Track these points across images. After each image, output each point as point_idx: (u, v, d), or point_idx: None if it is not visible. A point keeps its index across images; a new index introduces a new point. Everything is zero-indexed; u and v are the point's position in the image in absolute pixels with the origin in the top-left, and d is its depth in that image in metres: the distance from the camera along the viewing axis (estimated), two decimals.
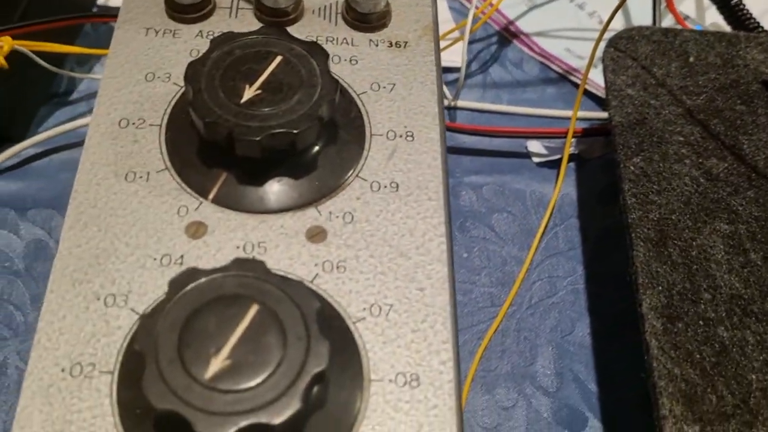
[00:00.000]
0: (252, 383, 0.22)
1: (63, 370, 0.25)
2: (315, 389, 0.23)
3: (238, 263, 0.24)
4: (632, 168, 0.35)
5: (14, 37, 0.40)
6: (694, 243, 0.33)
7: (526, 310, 0.40)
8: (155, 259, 0.27)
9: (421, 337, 0.26)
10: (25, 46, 0.40)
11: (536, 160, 0.44)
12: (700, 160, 0.35)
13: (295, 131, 0.26)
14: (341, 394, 0.24)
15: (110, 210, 0.28)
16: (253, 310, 0.23)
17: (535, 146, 0.44)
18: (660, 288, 0.32)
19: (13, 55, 0.40)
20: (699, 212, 0.34)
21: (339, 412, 0.24)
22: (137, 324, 0.23)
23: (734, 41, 0.39)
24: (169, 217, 0.28)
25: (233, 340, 0.22)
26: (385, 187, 0.29)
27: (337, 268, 0.27)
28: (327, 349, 0.22)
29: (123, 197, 0.28)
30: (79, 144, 0.43)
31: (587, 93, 0.47)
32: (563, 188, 0.43)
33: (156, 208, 0.28)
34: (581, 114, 0.44)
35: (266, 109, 0.27)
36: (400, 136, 0.30)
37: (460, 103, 0.45)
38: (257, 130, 0.26)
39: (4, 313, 0.39)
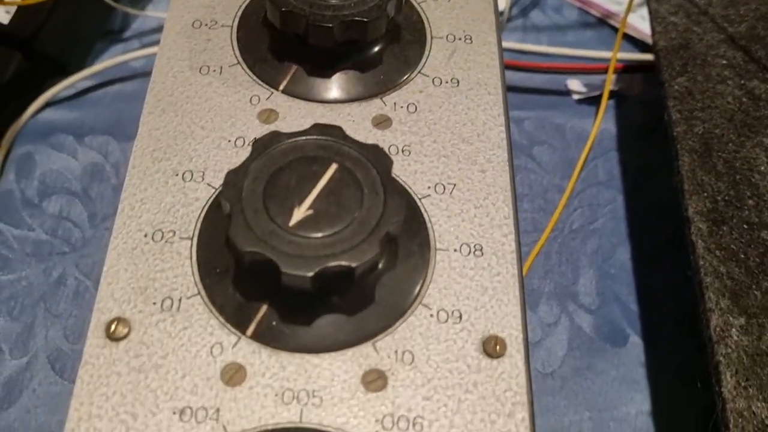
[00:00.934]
0: (333, 231, 0.23)
1: (146, 236, 0.26)
2: (389, 245, 0.24)
3: (318, 128, 0.25)
4: (677, 87, 0.36)
5: None
6: (737, 155, 0.34)
7: (567, 235, 0.41)
8: (230, 140, 0.28)
9: (483, 213, 0.27)
10: None
11: (576, 97, 0.45)
12: (743, 82, 0.37)
13: (366, 20, 0.28)
14: (410, 260, 0.26)
15: (186, 98, 0.29)
16: (333, 168, 0.24)
17: (575, 84, 0.46)
18: (705, 194, 0.33)
19: None
20: (742, 128, 0.35)
21: (408, 275, 0.26)
22: (223, 179, 0.24)
23: None
24: (242, 104, 0.29)
25: (314, 193, 0.24)
26: (447, 82, 0.30)
27: (403, 151, 0.28)
28: (403, 203, 0.24)
29: (198, 87, 0.30)
30: (132, 78, 0.45)
31: (625, 36, 0.48)
32: (603, 123, 0.44)
33: (230, 97, 0.29)
34: (620, 55, 0.45)
35: (338, 1, 0.28)
36: (459, 39, 0.31)
37: (502, 44, 0.46)
38: (331, 18, 0.28)
39: (63, 229, 0.40)
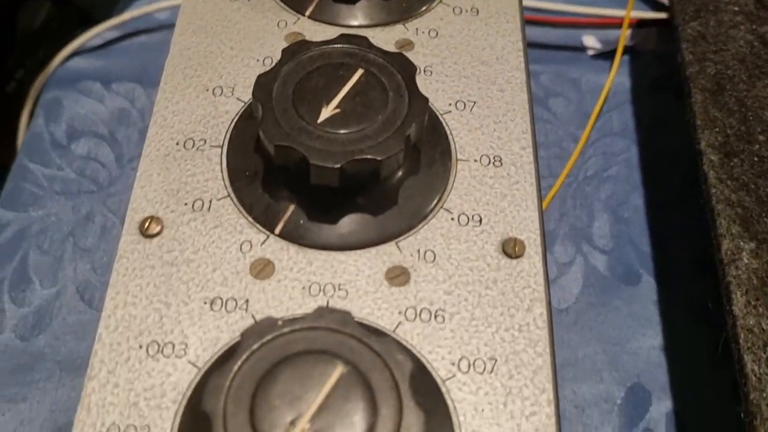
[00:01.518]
0: (359, 128, 0.24)
1: (177, 144, 0.27)
2: (412, 150, 0.25)
3: (345, 38, 0.26)
4: (689, 30, 0.37)
5: None
6: (748, 94, 0.35)
7: (582, 181, 0.42)
8: (258, 60, 0.29)
9: (502, 128, 0.28)
10: None
11: (590, 52, 0.46)
12: (754, 27, 0.38)
13: None
14: (432, 167, 0.27)
15: (215, 22, 0.30)
16: (359, 72, 0.25)
17: (590, 40, 0.46)
18: (717, 129, 0.34)
19: None
20: (753, 69, 0.36)
21: (430, 181, 0.27)
22: (254, 82, 0.25)
23: None
24: (269, 28, 0.30)
25: (341, 94, 0.25)
26: (467, 11, 0.31)
27: (425, 71, 0.29)
28: (426, 104, 0.25)
29: (227, 12, 0.31)
30: (157, 29, 0.46)
31: None
32: (617, 77, 0.45)
33: (257, 21, 0.30)
34: (634, 14, 0.46)
35: None
36: None
37: None
38: None
39: (91, 170, 0.41)
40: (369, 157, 0.23)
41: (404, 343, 0.23)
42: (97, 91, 0.44)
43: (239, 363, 0.20)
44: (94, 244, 0.39)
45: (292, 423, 0.19)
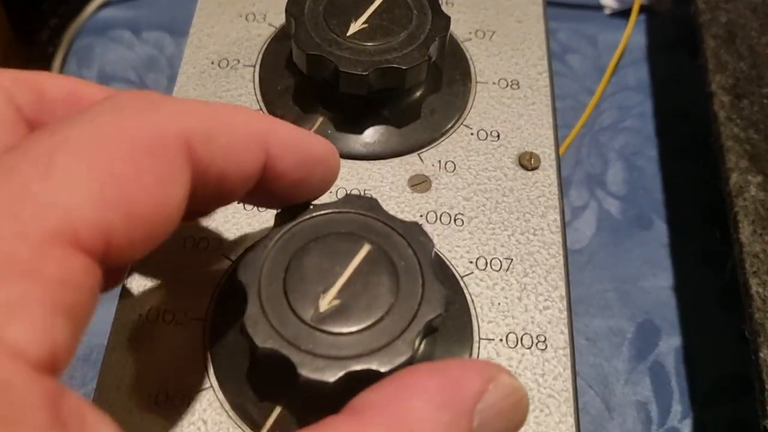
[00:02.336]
0: (386, 41, 0.26)
1: (212, 63, 0.29)
2: (434, 69, 0.27)
3: None
4: None
5: None
6: (760, 41, 0.36)
7: (597, 132, 0.43)
8: None
9: (520, 54, 0.29)
10: None
11: (608, 11, 0.47)
12: None
13: None
14: (453, 86, 0.28)
15: None
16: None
17: None
18: (728, 73, 0.35)
19: None
20: (765, 18, 0.37)
21: (451, 99, 0.28)
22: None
23: None
24: None
25: (369, 11, 0.26)
26: None
27: (446, 2, 0.31)
28: (447, 20, 0.26)
29: None
30: None
31: None
32: (633, 36, 0.46)
33: None
34: None
35: None
36: None
37: None
38: None
39: None
40: (394, 66, 0.25)
41: None
42: (128, 39, 0.46)
43: (273, 241, 0.21)
44: None
45: (322, 293, 0.20)
